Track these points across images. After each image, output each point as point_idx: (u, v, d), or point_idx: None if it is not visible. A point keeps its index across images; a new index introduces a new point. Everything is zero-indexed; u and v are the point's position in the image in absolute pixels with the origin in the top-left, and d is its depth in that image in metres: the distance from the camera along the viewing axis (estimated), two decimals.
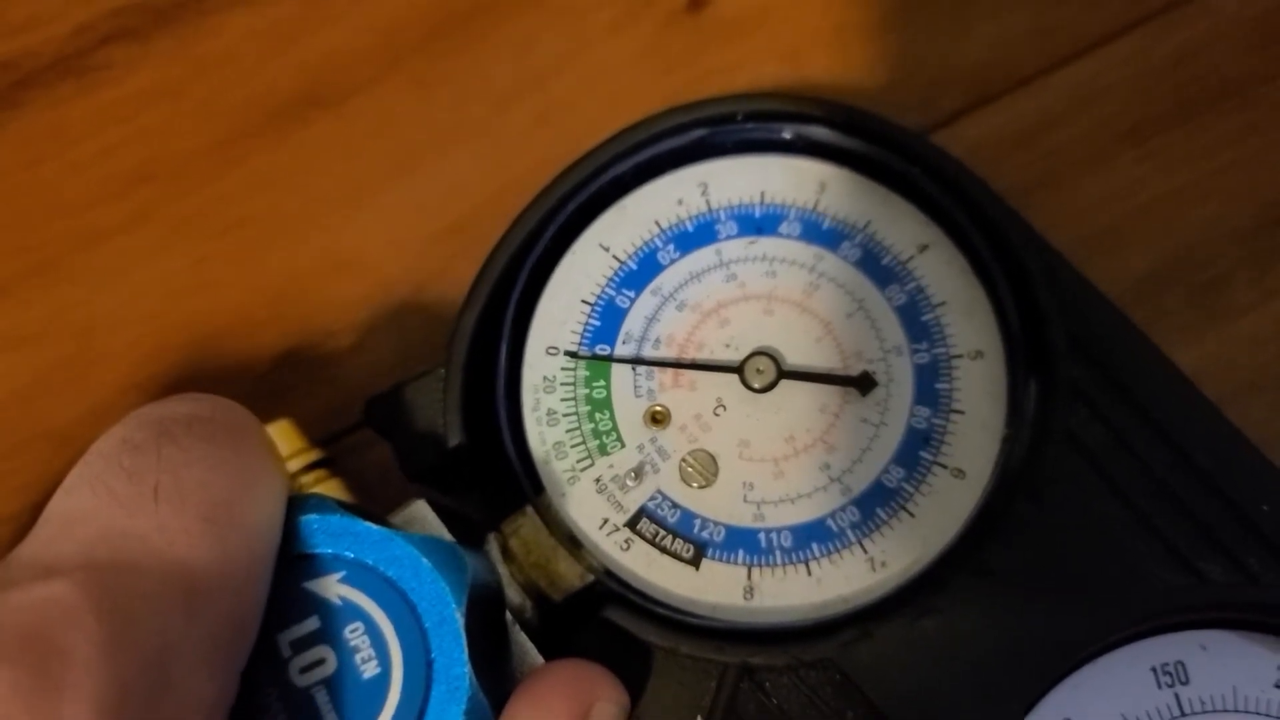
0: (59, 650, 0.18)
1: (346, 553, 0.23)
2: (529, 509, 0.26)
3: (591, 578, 0.26)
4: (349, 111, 0.36)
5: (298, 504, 0.23)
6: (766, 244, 0.29)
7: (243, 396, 0.32)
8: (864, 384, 0.27)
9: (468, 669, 0.22)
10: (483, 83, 0.36)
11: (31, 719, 0.17)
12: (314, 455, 0.29)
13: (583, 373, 0.28)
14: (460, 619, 0.22)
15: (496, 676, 0.24)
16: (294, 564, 0.23)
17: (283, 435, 0.29)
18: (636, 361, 0.28)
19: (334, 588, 0.23)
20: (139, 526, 0.20)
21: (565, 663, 0.23)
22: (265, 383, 0.33)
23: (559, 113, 0.36)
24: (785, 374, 0.28)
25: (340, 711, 0.22)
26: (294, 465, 0.28)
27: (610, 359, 0.28)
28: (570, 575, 0.26)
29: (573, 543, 0.27)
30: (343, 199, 0.35)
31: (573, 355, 0.28)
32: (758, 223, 0.29)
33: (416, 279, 0.33)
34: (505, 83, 0.36)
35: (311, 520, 0.23)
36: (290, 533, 0.23)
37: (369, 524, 0.23)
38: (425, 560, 0.23)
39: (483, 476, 0.28)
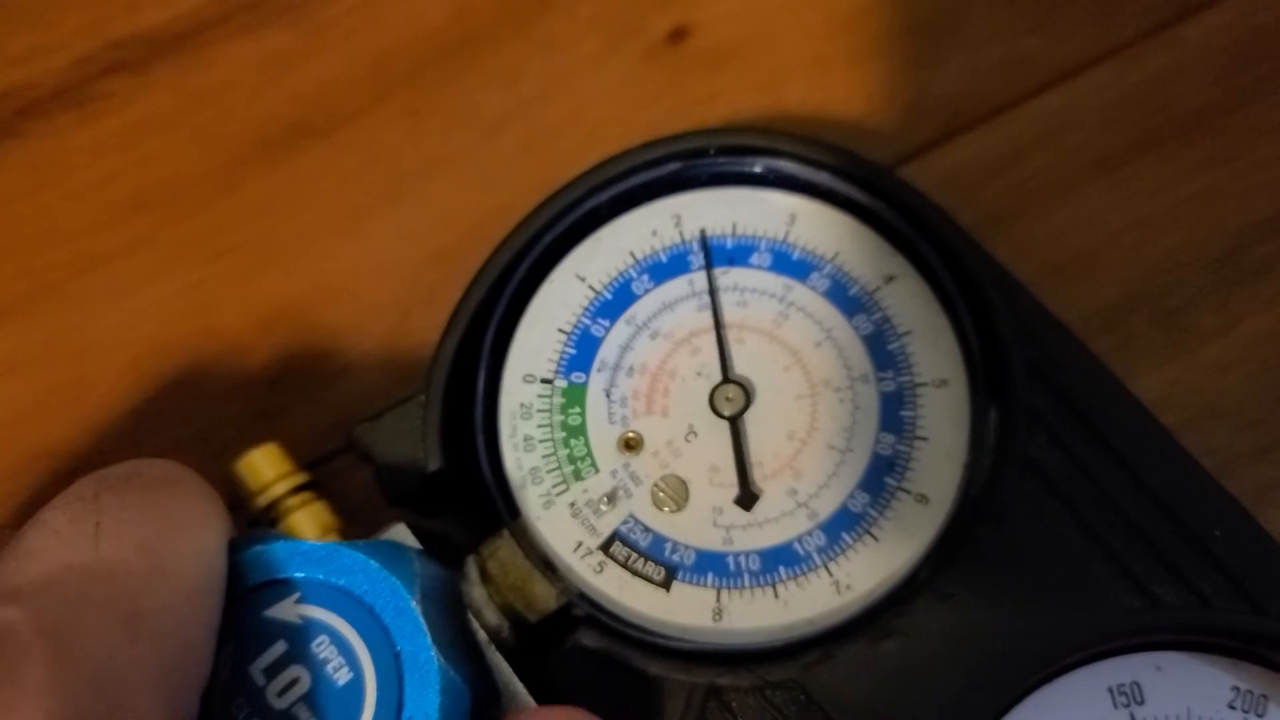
0: (10, 672, 0.19)
1: (297, 574, 0.24)
2: (506, 532, 0.27)
3: (566, 599, 0.27)
4: (340, 140, 0.37)
5: (240, 543, 0.24)
6: (738, 274, 0.30)
7: (234, 419, 0.33)
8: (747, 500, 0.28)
9: (434, 651, 0.23)
10: (470, 112, 0.37)
11: None
12: (301, 478, 0.29)
13: (558, 400, 0.29)
14: (417, 607, 0.24)
15: (468, 658, 0.25)
16: (250, 596, 0.24)
17: (270, 458, 0.29)
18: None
19: (293, 609, 0.24)
20: (81, 559, 0.21)
21: (552, 710, 0.24)
22: (256, 405, 0.34)
23: (544, 141, 0.37)
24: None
25: None
26: (281, 488, 0.29)
27: (585, 386, 0.29)
28: (545, 597, 0.27)
29: (548, 565, 0.27)
30: (334, 226, 0.36)
31: (549, 382, 0.29)
32: (729, 253, 0.30)
33: (404, 305, 0.34)
34: (492, 112, 0.37)
35: (257, 552, 0.24)
36: (242, 568, 0.24)
37: (312, 542, 0.24)
38: (372, 561, 0.24)
39: (461, 500, 0.28)
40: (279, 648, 0.24)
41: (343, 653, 0.24)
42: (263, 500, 0.29)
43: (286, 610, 0.24)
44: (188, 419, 0.34)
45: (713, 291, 0.30)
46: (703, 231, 0.30)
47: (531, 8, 0.38)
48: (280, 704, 0.23)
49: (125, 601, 0.21)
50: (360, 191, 0.36)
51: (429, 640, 0.23)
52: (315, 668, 0.23)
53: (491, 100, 0.37)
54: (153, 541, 0.22)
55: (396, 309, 0.35)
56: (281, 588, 0.24)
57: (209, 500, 0.24)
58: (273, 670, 0.23)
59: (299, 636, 0.24)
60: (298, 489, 0.29)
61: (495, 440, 0.29)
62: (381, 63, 0.38)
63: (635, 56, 0.37)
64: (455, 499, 0.28)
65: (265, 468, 0.29)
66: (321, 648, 0.24)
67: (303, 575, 0.24)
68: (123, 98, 0.38)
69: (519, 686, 0.26)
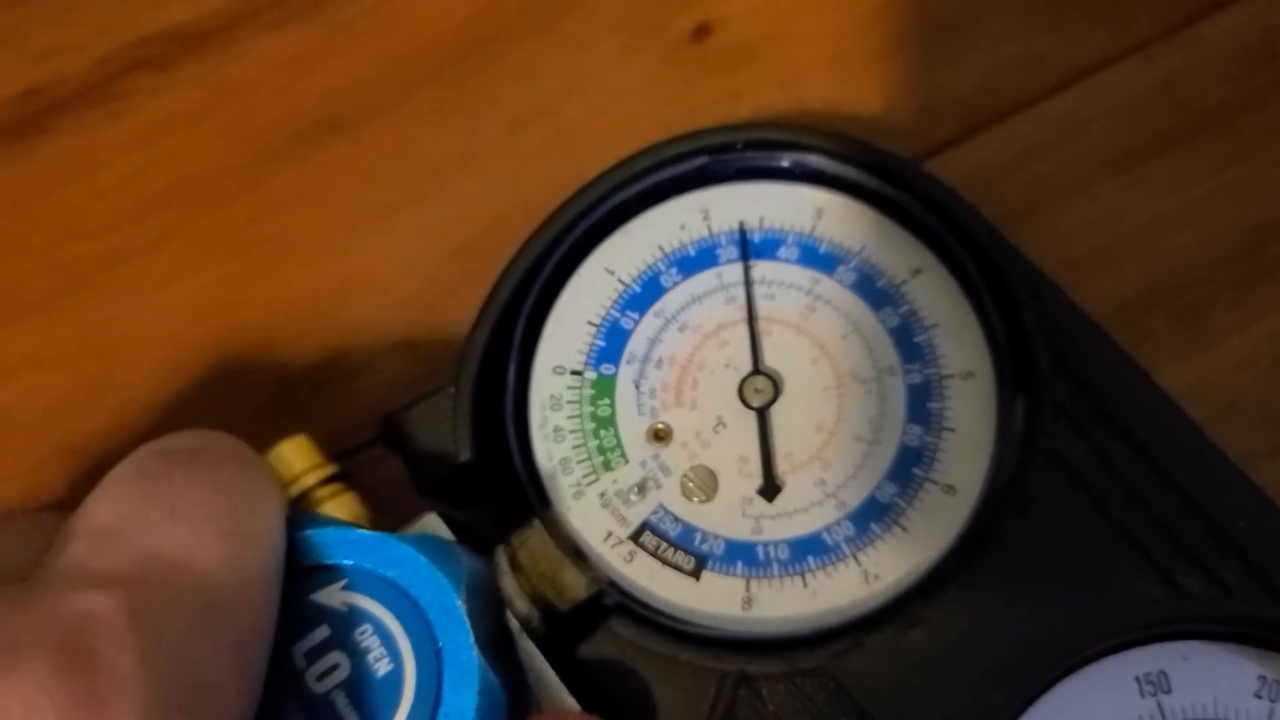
0: (103, 662, 0.19)
1: (346, 561, 0.24)
2: (536, 522, 0.28)
3: (596, 588, 0.27)
4: (365, 136, 0.37)
5: (294, 522, 0.25)
6: (765, 268, 0.30)
7: (261, 412, 0.34)
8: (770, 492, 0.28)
9: (475, 651, 0.23)
10: (494, 109, 0.37)
11: None
12: (330, 470, 0.30)
13: (588, 391, 0.29)
14: (462, 606, 0.24)
15: (505, 661, 0.25)
16: (298, 578, 0.24)
17: (299, 450, 0.30)
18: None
19: (339, 595, 0.24)
20: (162, 545, 0.21)
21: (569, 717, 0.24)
22: (283, 399, 0.34)
23: (567, 137, 0.37)
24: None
25: (360, 711, 0.23)
26: (311, 479, 0.29)
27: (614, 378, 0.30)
28: (576, 586, 0.27)
29: (578, 555, 0.28)
30: (359, 221, 0.36)
31: (578, 374, 0.30)
32: (757, 247, 0.30)
33: (429, 299, 0.35)
34: (515, 109, 0.37)
35: (309, 535, 0.24)
36: (291, 550, 0.24)
37: (363, 531, 0.25)
38: (421, 556, 0.24)
39: (492, 491, 0.29)
40: (322, 632, 0.24)
41: (385, 643, 0.24)
42: (293, 491, 0.29)
43: (332, 596, 0.24)
44: (215, 412, 0.34)
45: (748, 283, 0.30)
46: (741, 224, 0.31)
47: (554, 6, 0.38)
48: (318, 688, 0.24)
49: (206, 590, 0.21)
50: (385, 187, 0.37)
51: (472, 639, 0.24)
52: (356, 656, 0.24)
53: (514, 97, 0.37)
54: (228, 527, 0.22)
55: (421, 303, 0.35)
56: (329, 573, 0.24)
57: (271, 479, 0.24)
58: (314, 654, 0.24)
59: (343, 623, 0.24)
60: (327, 480, 0.29)
61: (526, 431, 0.29)
62: (406, 60, 0.38)
63: (658, 54, 0.37)
64: (485, 490, 0.29)
65: (295, 459, 0.29)
66: (364, 637, 0.24)
67: (351, 563, 0.24)
68: (148, 94, 0.38)
69: (551, 674, 0.26)
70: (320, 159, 0.37)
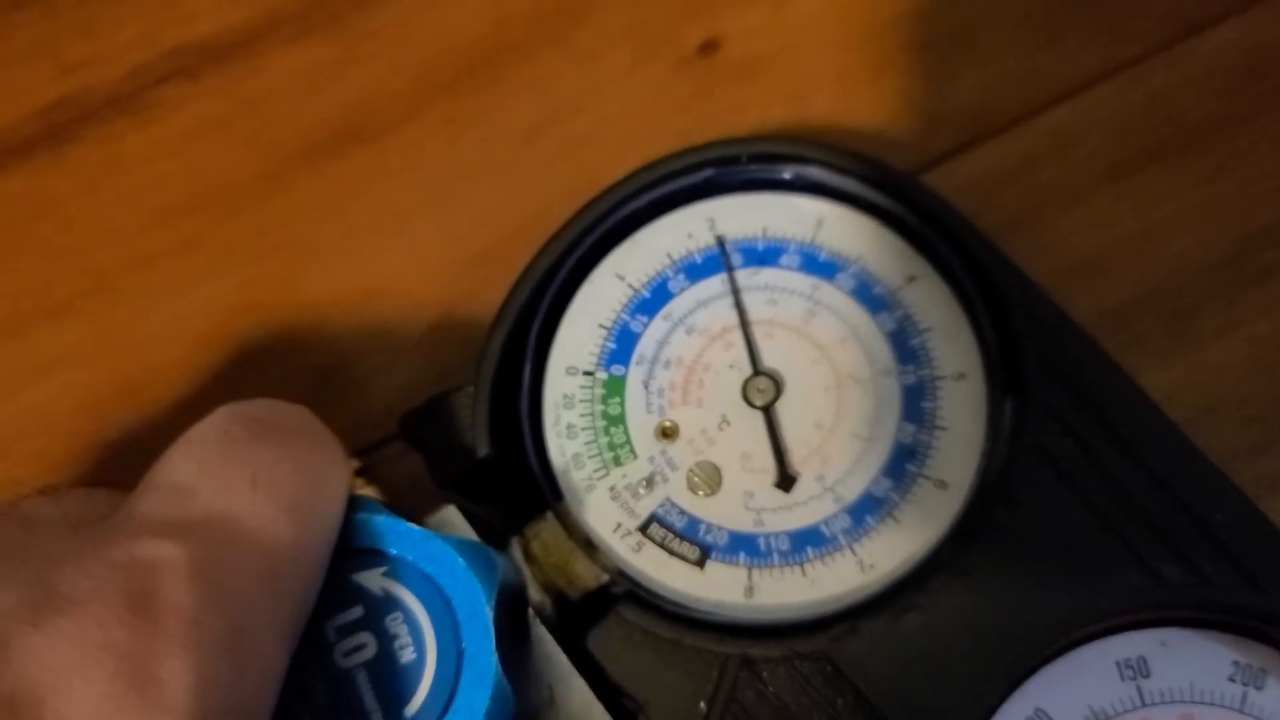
0: (168, 604, 0.20)
1: (390, 549, 0.26)
2: (549, 515, 0.29)
3: (606, 577, 0.29)
4: (383, 147, 0.39)
5: (352, 504, 0.26)
6: (768, 274, 0.32)
7: None
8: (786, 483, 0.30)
9: (494, 658, 0.25)
10: (507, 120, 0.39)
11: (135, 659, 0.20)
12: (352, 464, 0.31)
13: (599, 390, 0.31)
14: (490, 614, 0.25)
15: (518, 667, 0.27)
16: (344, 557, 0.26)
17: None
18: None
19: (378, 580, 0.26)
20: (237, 509, 0.23)
21: None
22: (304, 398, 0.35)
23: (578, 148, 0.38)
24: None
25: (378, 691, 0.25)
26: None
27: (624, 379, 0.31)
28: (587, 575, 0.29)
29: (589, 546, 0.29)
30: (377, 228, 0.38)
31: (590, 375, 0.31)
32: (760, 255, 0.32)
33: (445, 303, 0.36)
34: (528, 120, 0.39)
35: (363, 519, 0.26)
36: (343, 529, 0.25)
37: (411, 525, 0.26)
38: (460, 560, 0.25)
39: (507, 485, 0.30)
40: (356, 612, 0.25)
41: (412, 633, 0.25)
42: None
43: (372, 580, 0.25)
44: None
45: (735, 291, 0.32)
46: (720, 238, 0.32)
47: (567, 20, 0.40)
48: (343, 664, 0.25)
49: (271, 561, 0.23)
50: (402, 195, 0.38)
51: (493, 646, 0.25)
52: (384, 640, 0.25)
53: (528, 109, 0.39)
54: (299, 507, 0.23)
55: (438, 307, 0.36)
56: (373, 557, 0.26)
57: (342, 462, 0.25)
58: (345, 631, 0.25)
59: (377, 607, 0.25)
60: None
61: (540, 428, 0.31)
62: (422, 72, 0.40)
63: (667, 67, 0.39)
64: (500, 484, 0.30)
65: None
66: (394, 623, 0.25)
67: (395, 553, 0.26)
68: (175, 105, 0.40)
69: (562, 657, 0.27)
70: (340, 168, 0.39)
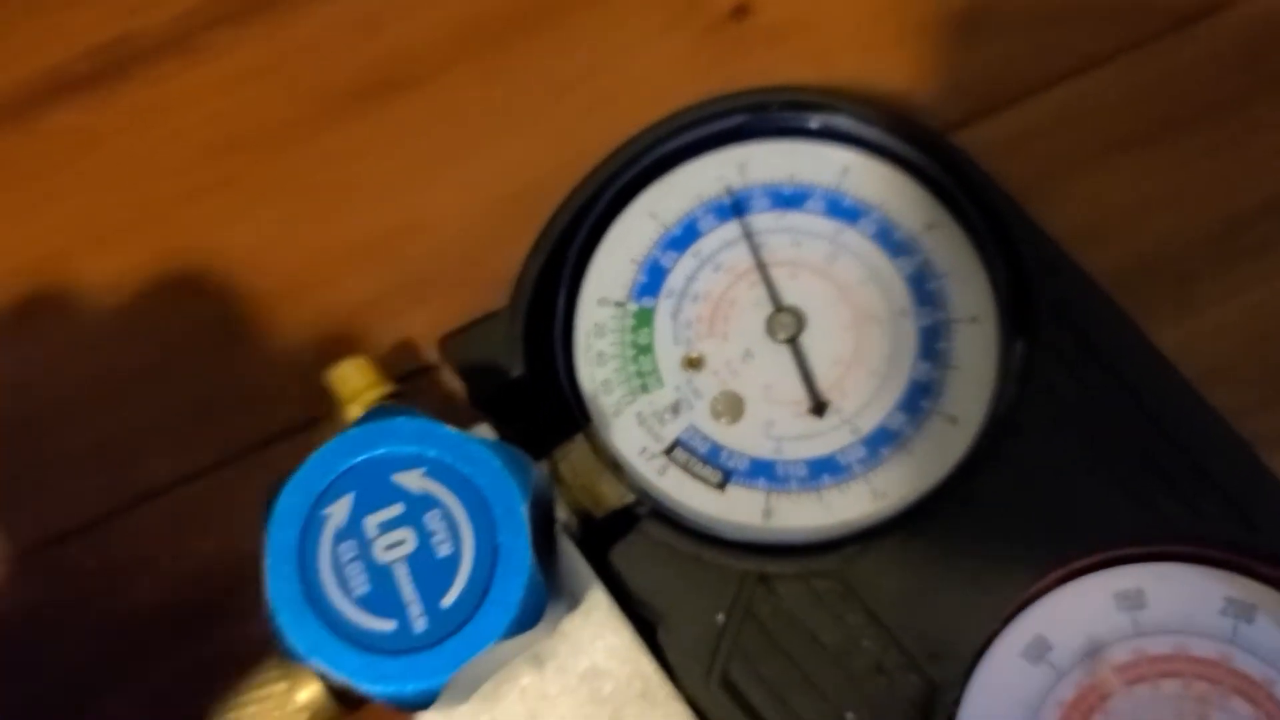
0: None
1: (429, 451, 0.27)
2: (579, 437, 0.30)
3: (631, 497, 0.30)
4: (422, 95, 0.40)
5: (389, 410, 0.27)
6: (794, 217, 0.33)
7: (326, 339, 0.37)
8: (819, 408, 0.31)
9: (530, 551, 0.26)
10: (540, 75, 0.40)
11: None
12: (389, 388, 0.32)
13: (629, 321, 0.32)
14: (525, 511, 0.26)
15: (547, 565, 0.28)
16: (384, 458, 0.27)
17: (359, 369, 0.32)
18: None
19: (418, 479, 0.27)
20: None
21: None
22: (346, 326, 0.37)
23: (607, 104, 0.40)
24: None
25: (417, 584, 0.26)
26: (371, 395, 0.32)
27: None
28: (612, 495, 0.30)
29: (615, 467, 0.31)
30: (416, 171, 0.39)
31: (621, 306, 0.32)
32: (787, 199, 0.33)
33: (479, 240, 0.38)
34: (561, 76, 0.40)
35: (403, 423, 0.27)
36: (383, 431, 0.27)
37: (449, 428, 0.27)
38: (497, 460, 0.27)
39: (538, 408, 0.32)
40: (396, 509, 0.27)
41: (450, 530, 0.27)
42: (354, 408, 0.32)
43: (412, 479, 0.27)
44: (281, 336, 0.37)
45: (748, 235, 0.33)
46: (728, 187, 0.34)
47: None
48: (383, 558, 0.26)
49: None
50: (440, 142, 0.39)
51: (528, 541, 0.26)
52: (422, 536, 0.27)
53: (561, 65, 0.40)
54: None
55: (472, 245, 0.38)
56: (413, 458, 0.27)
57: None
58: (386, 527, 0.27)
59: (416, 505, 0.27)
60: (386, 398, 0.32)
61: (571, 355, 0.32)
62: (460, 26, 0.41)
63: (698, 30, 0.40)
64: (531, 407, 0.32)
65: (355, 377, 0.32)
66: (433, 520, 0.27)
67: (434, 454, 0.27)
68: (222, 48, 0.41)
69: (585, 567, 0.29)
70: (380, 114, 0.40)
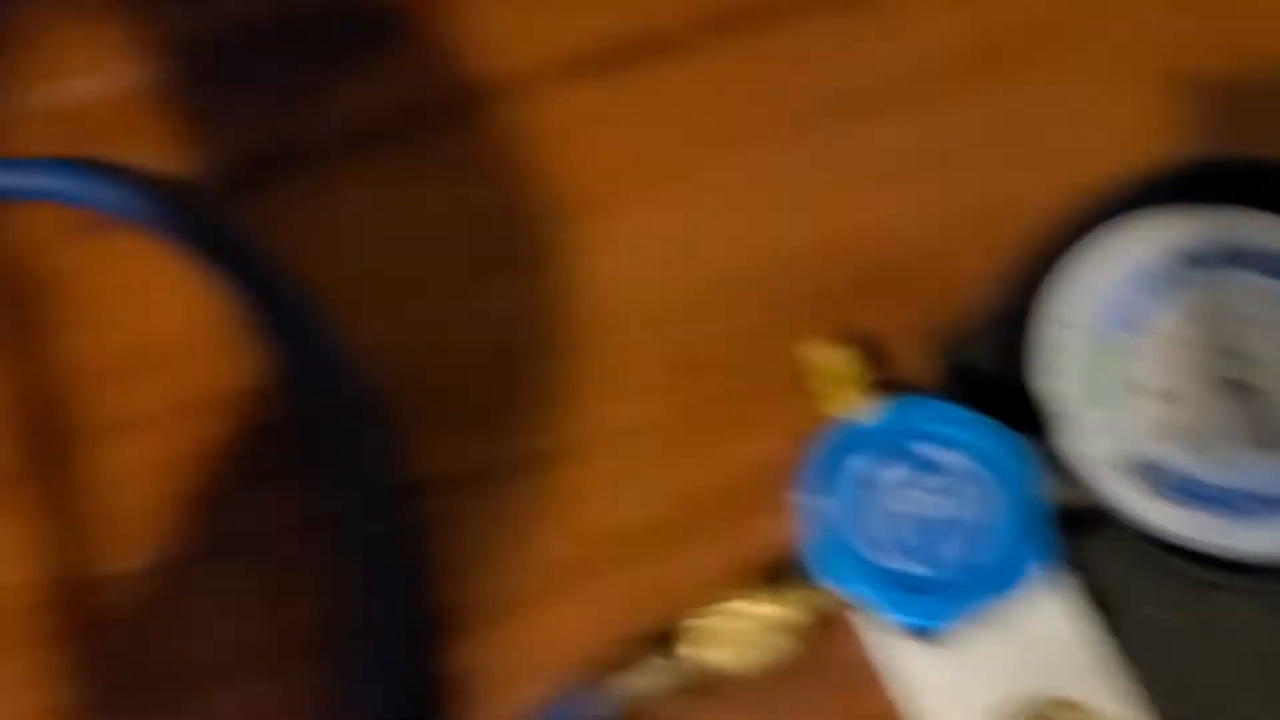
0: None
1: (962, 434, 0.33)
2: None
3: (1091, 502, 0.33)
4: (885, 118, 0.45)
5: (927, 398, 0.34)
6: None
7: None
8: None
9: (1037, 531, 0.32)
10: (984, 114, 0.44)
11: None
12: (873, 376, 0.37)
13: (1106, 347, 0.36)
14: (1033, 494, 0.32)
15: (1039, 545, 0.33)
16: (927, 434, 0.33)
17: (848, 359, 0.38)
18: None
19: (955, 459, 0.33)
20: None
21: None
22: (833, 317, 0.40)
23: (1048, 156, 0.43)
24: None
25: (946, 541, 0.32)
26: (861, 382, 0.37)
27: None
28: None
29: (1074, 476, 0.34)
30: (883, 182, 0.43)
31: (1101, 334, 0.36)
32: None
33: (939, 253, 0.41)
34: (1013, 122, 0.44)
35: (947, 407, 0.33)
36: (929, 413, 0.33)
37: (982, 417, 0.33)
38: (1015, 446, 0.33)
39: (1017, 411, 0.35)
40: (940, 480, 0.33)
41: (983, 503, 0.33)
42: (850, 392, 0.36)
43: (950, 457, 0.33)
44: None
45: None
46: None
47: (1063, 35, 0.45)
48: (929, 513, 0.33)
49: None
50: (908, 157, 0.44)
51: (1034, 521, 0.32)
52: (960, 504, 0.33)
53: (1015, 109, 0.44)
54: None
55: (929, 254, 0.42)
56: (949, 439, 0.33)
57: None
58: (932, 490, 0.33)
59: (960, 478, 0.33)
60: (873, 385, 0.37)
61: (1046, 365, 0.35)
62: (920, 60, 0.45)
63: (1149, 94, 0.43)
64: (1014, 414, 0.34)
65: (845, 365, 0.37)
66: (970, 492, 0.33)
67: (967, 437, 0.33)
68: (718, 53, 0.46)
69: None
70: (844, 130, 0.45)
